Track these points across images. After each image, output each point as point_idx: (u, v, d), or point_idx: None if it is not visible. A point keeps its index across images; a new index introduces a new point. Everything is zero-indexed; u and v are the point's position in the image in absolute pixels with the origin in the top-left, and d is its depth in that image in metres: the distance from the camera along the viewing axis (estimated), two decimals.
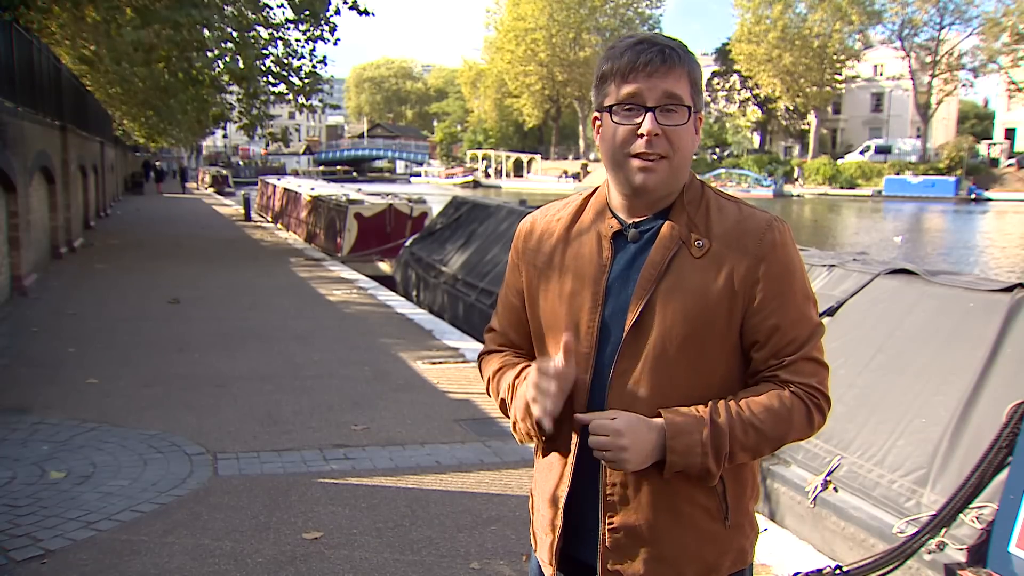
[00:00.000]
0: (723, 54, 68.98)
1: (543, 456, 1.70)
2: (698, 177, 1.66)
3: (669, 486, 1.54)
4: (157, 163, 49.29)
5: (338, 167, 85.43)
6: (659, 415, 1.51)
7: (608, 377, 1.55)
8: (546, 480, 1.68)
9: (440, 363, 7.28)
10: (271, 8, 16.91)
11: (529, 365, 1.68)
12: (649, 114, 1.51)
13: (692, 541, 1.57)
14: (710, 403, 1.52)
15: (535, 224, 1.73)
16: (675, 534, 1.56)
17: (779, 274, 1.54)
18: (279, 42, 17.49)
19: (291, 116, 73.89)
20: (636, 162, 1.53)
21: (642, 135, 1.51)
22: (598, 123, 1.59)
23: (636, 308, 1.53)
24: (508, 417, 1.71)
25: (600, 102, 1.57)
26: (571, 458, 1.60)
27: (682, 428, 1.49)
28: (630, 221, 1.60)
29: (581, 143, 78.09)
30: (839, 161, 62.54)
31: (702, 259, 1.54)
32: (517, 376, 1.69)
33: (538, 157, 77.13)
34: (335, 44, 17.44)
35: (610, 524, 1.57)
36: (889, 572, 3.23)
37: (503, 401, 1.72)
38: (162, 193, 40.21)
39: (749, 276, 1.53)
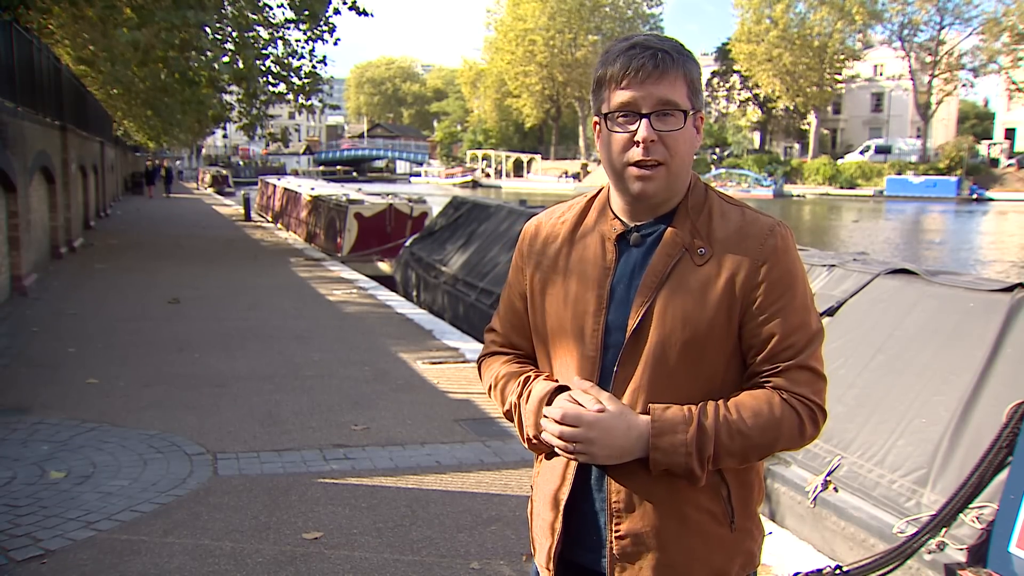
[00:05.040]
0: (723, 54, 68.97)
1: (546, 458, 1.68)
2: (702, 180, 1.64)
3: (674, 491, 1.53)
4: (151, 163, 47.29)
5: (338, 167, 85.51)
6: (648, 412, 1.50)
7: (611, 381, 1.55)
8: (547, 482, 1.67)
9: (440, 363, 7.28)
10: (271, 8, 16.95)
11: (535, 371, 1.69)
12: (644, 121, 1.49)
13: (700, 546, 1.56)
14: (699, 404, 1.50)
15: (540, 227, 1.73)
16: (682, 540, 1.55)
17: (779, 279, 1.53)
18: (279, 42, 17.53)
19: (291, 116, 73.69)
20: (634, 170, 1.52)
21: (638, 143, 1.50)
22: (598, 127, 1.58)
23: (637, 314, 1.53)
24: (513, 423, 1.69)
25: (598, 108, 1.56)
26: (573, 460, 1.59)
27: (667, 427, 1.48)
28: (632, 224, 1.59)
29: (581, 143, 78.09)
30: (839, 161, 62.55)
31: (704, 266, 1.53)
32: (524, 385, 1.66)
33: (538, 157, 77.14)
34: (335, 44, 17.51)
35: (617, 532, 1.56)
36: (889, 572, 3.23)
37: (508, 412, 1.69)
38: (152, 197, 37.25)
39: (749, 280, 1.52)
